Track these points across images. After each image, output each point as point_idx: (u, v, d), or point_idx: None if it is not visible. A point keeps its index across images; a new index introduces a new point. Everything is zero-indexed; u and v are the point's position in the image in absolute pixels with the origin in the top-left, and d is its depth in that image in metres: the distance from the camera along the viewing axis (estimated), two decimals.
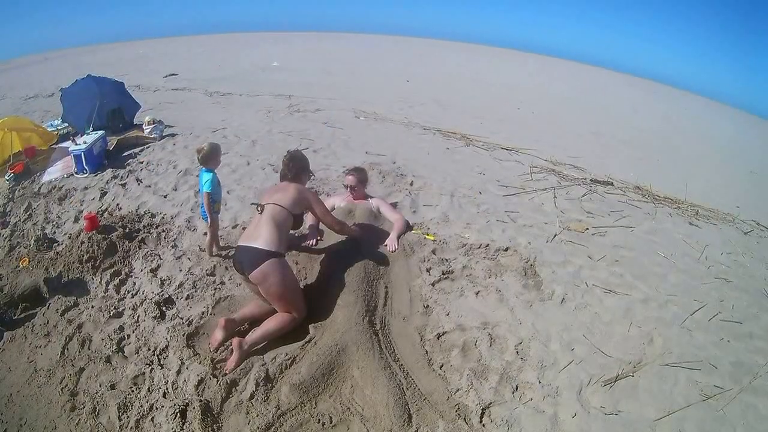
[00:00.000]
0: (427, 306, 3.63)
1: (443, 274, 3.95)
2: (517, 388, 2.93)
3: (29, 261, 4.39)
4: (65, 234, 4.89)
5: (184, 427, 2.72)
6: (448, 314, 3.53)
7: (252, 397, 2.87)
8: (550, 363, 3.11)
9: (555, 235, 4.55)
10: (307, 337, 3.32)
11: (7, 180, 6.11)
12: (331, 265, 3.90)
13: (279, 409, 2.80)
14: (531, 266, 4.06)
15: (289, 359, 3.12)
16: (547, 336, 3.33)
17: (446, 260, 4.13)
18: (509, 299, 3.66)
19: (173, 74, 16.35)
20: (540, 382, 2.96)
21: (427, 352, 3.24)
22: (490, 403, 2.82)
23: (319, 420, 2.75)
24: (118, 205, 5.54)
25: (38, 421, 2.89)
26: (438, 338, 3.33)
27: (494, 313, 3.54)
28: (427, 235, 4.48)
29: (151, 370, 3.16)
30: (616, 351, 3.25)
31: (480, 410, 2.77)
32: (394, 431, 2.63)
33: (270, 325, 3.27)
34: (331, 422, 2.74)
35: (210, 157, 4.00)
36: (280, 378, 3.01)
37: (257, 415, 2.76)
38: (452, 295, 3.74)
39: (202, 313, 3.63)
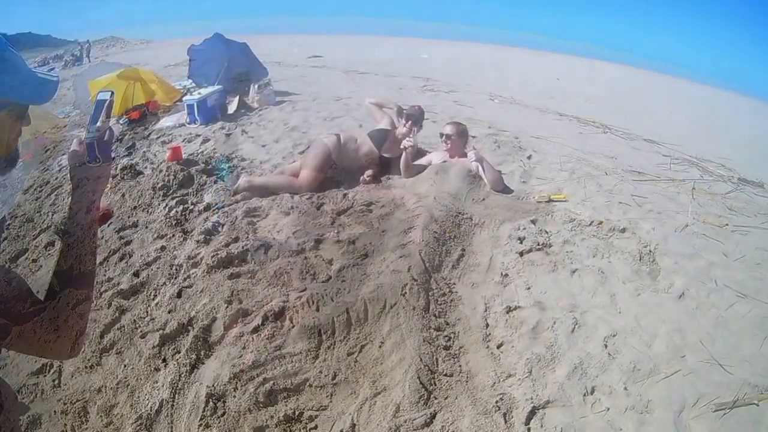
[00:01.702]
0: (506, 275, 3.11)
1: (538, 245, 3.41)
2: (592, 391, 2.26)
3: (111, 188, 4.77)
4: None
5: (177, 344, 2.57)
6: (528, 288, 2.97)
7: (255, 331, 2.58)
8: (647, 368, 2.40)
9: (686, 225, 4.01)
10: (348, 282, 2.96)
11: (122, 124, 6.86)
12: (409, 210, 3.78)
13: (279, 350, 2.44)
14: (650, 252, 3.45)
15: (314, 298, 2.77)
16: (652, 334, 2.66)
17: (546, 232, 3.61)
18: (613, 284, 3.09)
19: (317, 56, 17.49)
20: (626, 389, 2.28)
21: (488, 324, 2.69)
22: (548, 402, 2.16)
23: (321, 371, 2.33)
24: (214, 149, 5.87)
25: None
26: (508, 312, 2.77)
27: (589, 296, 2.95)
28: (556, 195, 4.23)
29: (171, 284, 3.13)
30: (740, 369, 2.49)
31: (530, 408, 2.12)
32: (402, 407, 2.10)
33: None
34: (333, 378, 2.30)
35: None
36: (296, 316, 2.66)
37: (251, 351, 2.44)
38: (541, 268, 3.18)
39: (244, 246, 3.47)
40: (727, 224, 4.15)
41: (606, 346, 2.50)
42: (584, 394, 2.22)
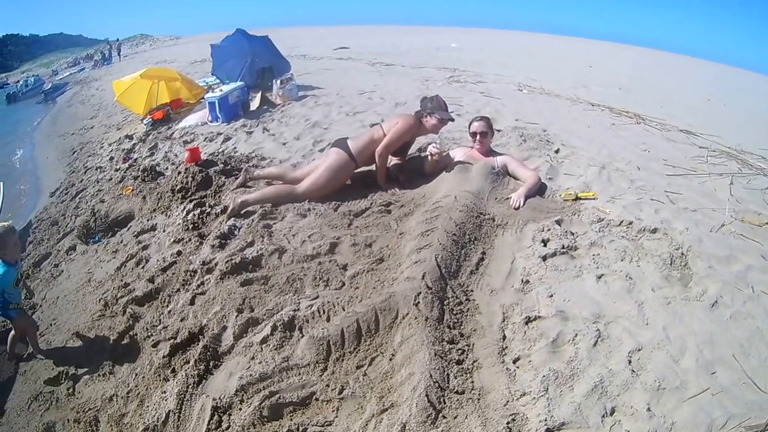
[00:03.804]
0: (527, 281, 2.99)
1: (563, 248, 3.27)
2: (612, 412, 2.13)
3: (132, 190, 4.90)
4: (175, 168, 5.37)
5: (186, 353, 2.63)
6: (550, 296, 2.84)
7: (264, 341, 2.60)
8: (673, 386, 2.26)
9: (723, 225, 3.80)
10: (361, 290, 2.98)
11: (145, 125, 7.04)
12: (428, 210, 3.71)
13: (287, 362, 2.44)
14: (682, 255, 3.27)
15: (325, 307, 2.80)
16: (681, 348, 2.50)
17: (572, 233, 3.47)
18: (641, 291, 2.93)
19: (344, 47, 17.56)
20: (650, 410, 2.13)
21: (505, 336, 2.60)
22: (563, 423, 2.07)
23: (328, 385, 2.32)
24: (235, 148, 5.99)
25: (67, 324, 3.11)
26: (527, 323, 2.66)
27: (615, 305, 2.79)
28: (584, 193, 4.06)
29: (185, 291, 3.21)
30: None
31: (543, 430, 2.03)
32: (409, 427, 2.05)
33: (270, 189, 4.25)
34: (340, 393, 2.28)
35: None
36: (306, 326, 2.68)
37: (260, 363, 2.46)
38: (565, 274, 3.04)
39: (259, 251, 3.51)
40: (767, 223, 3.91)
41: (630, 362, 2.37)
42: (603, 416, 2.11)
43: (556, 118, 7.03)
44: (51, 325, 3.20)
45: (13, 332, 3.11)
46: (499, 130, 5.66)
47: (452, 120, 4.55)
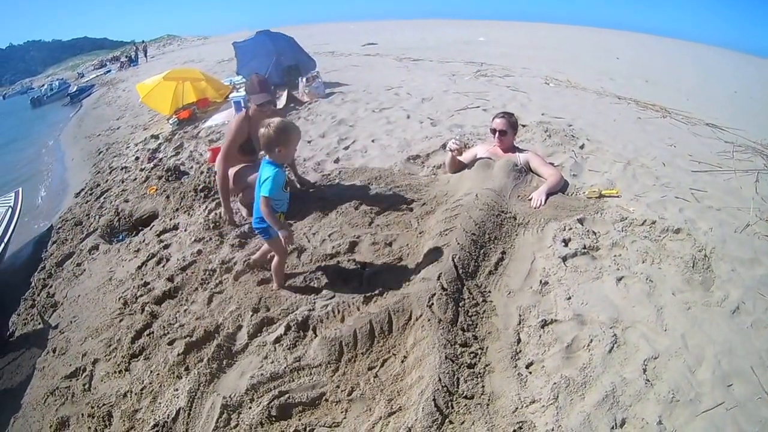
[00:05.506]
0: (546, 282, 2.97)
1: (584, 248, 3.24)
2: (622, 423, 2.11)
3: (156, 189, 5.05)
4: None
5: (201, 352, 2.71)
6: (568, 298, 2.82)
7: (277, 341, 2.66)
8: (687, 398, 2.21)
9: (748, 225, 3.71)
10: (378, 290, 2.99)
11: (171, 124, 7.24)
12: (449, 209, 3.71)
13: (299, 362, 2.50)
14: (705, 257, 3.21)
15: (339, 308, 2.85)
16: (699, 357, 2.45)
17: (594, 233, 3.44)
18: (661, 295, 2.88)
19: (372, 43, 17.67)
20: (661, 423, 2.10)
21: (519, 340, 2.59)
22: None
23: (338, 386, 2.36)
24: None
25: (87, 322, 3.25)
26: (543, 327, 2.65)
27: (633, 309, 2.75)
28: (608, 190, 4.02)
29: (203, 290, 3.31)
30: None
31: None
32: (414, 431, 2.07)
33: None
34: (350, 394, 2.32)
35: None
36: (320, 326, 2.74)
37: (272, 362, 2.52)
38: (585, 275, 3.01)
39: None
40: None
41: (645, 371, 2.33)
42: (612, 427, 2.08)
43: (582, 112, 6.95)
44: (71, 322, 3.35)
45: (276, 258, 3.09)
46: (524, 125, 5.63)
47: (272, 103, 4.06)
